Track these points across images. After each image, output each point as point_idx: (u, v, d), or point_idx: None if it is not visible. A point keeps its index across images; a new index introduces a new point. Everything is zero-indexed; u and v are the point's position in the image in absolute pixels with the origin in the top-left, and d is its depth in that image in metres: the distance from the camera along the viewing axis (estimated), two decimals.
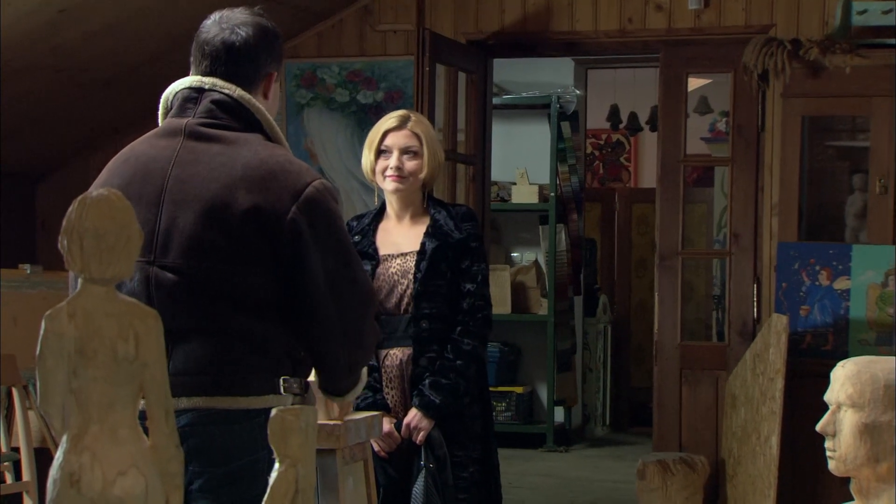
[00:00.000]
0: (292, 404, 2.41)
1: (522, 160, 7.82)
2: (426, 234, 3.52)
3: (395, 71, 5.90)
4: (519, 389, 7.75)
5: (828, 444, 2.43)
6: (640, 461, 5.04)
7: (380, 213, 3.64)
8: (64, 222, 1.59)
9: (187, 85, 2.57)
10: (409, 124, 3.55)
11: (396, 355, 3.53)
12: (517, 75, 7.75)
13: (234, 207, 2.42)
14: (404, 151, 3.53)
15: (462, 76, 5.82)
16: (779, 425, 4.70)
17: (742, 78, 5.40)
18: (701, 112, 8.45)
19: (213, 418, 2.42)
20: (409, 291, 3.50)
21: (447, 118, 5.78)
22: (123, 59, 5.37)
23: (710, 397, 5.54)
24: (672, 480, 4.96)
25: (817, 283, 5.15)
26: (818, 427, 2.44)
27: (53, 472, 1.56)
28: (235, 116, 2.53)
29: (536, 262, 7.95)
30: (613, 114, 9.59)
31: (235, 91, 2.53)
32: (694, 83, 7.48)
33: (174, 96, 2.59)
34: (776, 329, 4.85)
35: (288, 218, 2.42)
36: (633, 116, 9.64)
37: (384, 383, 3.54)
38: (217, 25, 2.60)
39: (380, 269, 3.51)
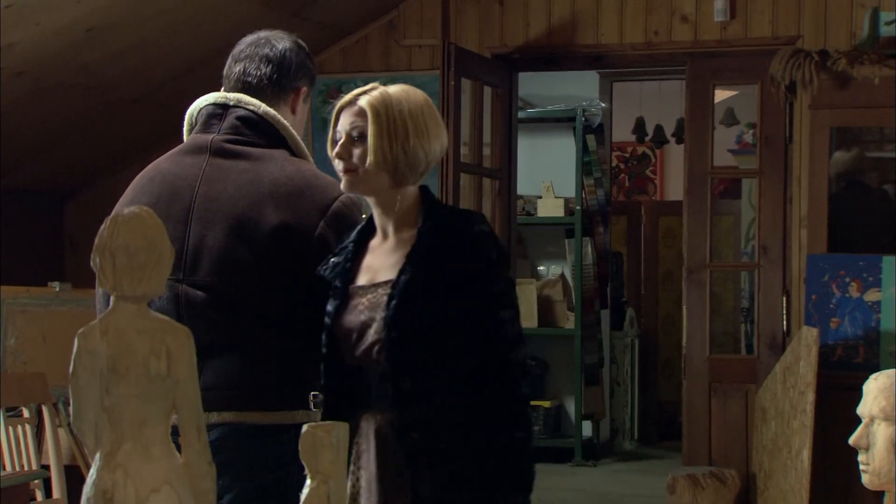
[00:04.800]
0: (322, 419, 2.41)
1: (548, 174, 7.81)
2: (409, 257, 2.43)
3: (421, 85, 5.81)
4: (546, 403, 7.73)
5: (861, 457, 2.41)
6: (670, 475, 5.01)
7: (367, 226, 2.55)
8: (96, 240, 1.60)
9: (212, 101, 2.59)
10: (364, 98, 2.45)
11: (370, 422, 2.43)
12: (542, 89, 7.74)
13: (263, 224, 2.43)
14: (350, 134, 2.43)
15: (487, 90, 5.82)
16: (810, 439, 4.66)
17: (769, 89, 5.38)
18: (727, 124, 8.42)
19: (244, 433, 2.43)
20: (380, 337, 2.41)
21: (473, 132, 5.78)
22: (150, 77, 5.40)
23: (739, 411, 5.50)
24: (702, 495, 4.93)
25: (847, 294, 5.12)
26: (851, 440, 2.42)
27: (87, 489, 1.57)
28: (261, 132, 2.55)
29: (563, 275, 7.93)
30: (639, 126, 9.57)
31: (260, 108, 2.55)
32: (720, 95, 7.45)
33: (199, 112, 2.61)
34: (806, 342, 4.81)
35: (316, 233, 2.43)
36: (658, 129, 9.61)
37: (352, 460, 2.42)
38: (254, 41, 2.64)
39: (350, 305, 2.44)
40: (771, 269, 5.51)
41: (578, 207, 7.75)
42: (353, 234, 2.51)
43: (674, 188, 10.48)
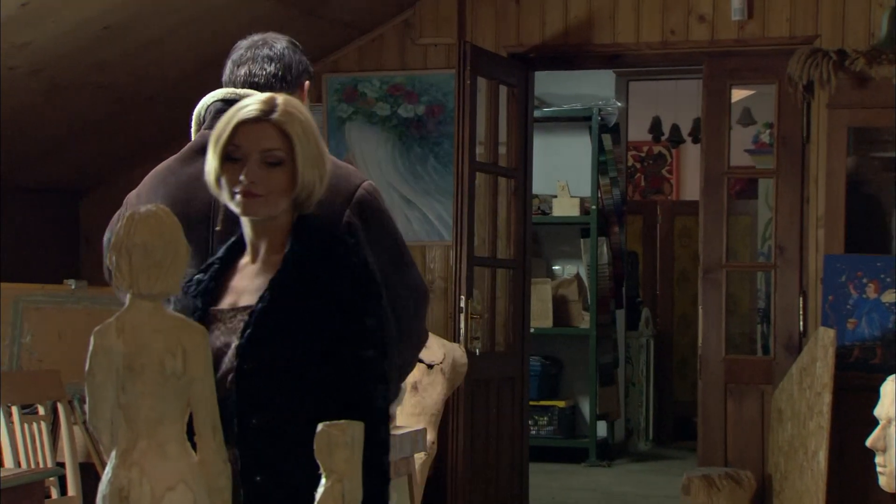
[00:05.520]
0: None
1: (563, 173, 7.80)
2: (271, 283, 2.26)
3: (436, 84, 5.90)
4: (561, 403, 7.71)
5: (878, 459, 2.40)
6: (685, 476, 5.00)
7: (237, 243, 2.36)
8: (113, 238, 1.60)
9: (220, 97, 2.59)
10: (276, 115, 2.26)
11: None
12: (558, 88, 7.73)
13: None
14: (264, 158, 2.25)
15: (503, 89, 5.80)
16: (826, 440, 4.64)
17: (787, 89, 5.35)
18: (744, 123, 8.39)
19: None
20: (232, 366, 2.22)
21: (488, 131, 5.77)
22: (165, 74, 5.40)
23: (755, 412, 5.48)
24: (718, 496, 4.91)
25: (864, 295, 5.09)
26: (868, 442, 2.41)
27: (103, 487, 1.57)
28: None
29: (578, 275, 7.91)
30: (655, 126, 9.55)
31: None
32: (736, 94, 7.42)
33: (206, 110, 2.61)
34: (823, 343, 4.79)
35: (343, 222, 2.43)
36: (674, 128, 9.59)
37: None
38: (251, 44, 2.65)
39: (208, 329, 2.16)
40: (787, 270, 5.48)
41: (594, 207, 7.74)
42: (221, 251, 2.33)
43: (690, 188, 10.45)
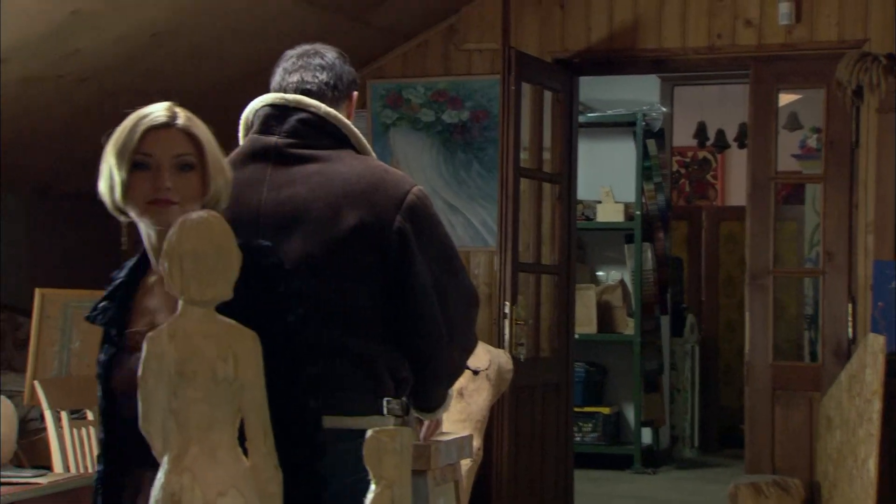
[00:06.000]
0: (393, 426, 2.41)
1: (608, 178, 7.77)
2: None
3: (481, 90, 5.90)
4: (605, 410, 7.68)
5: None
6: (733, 484, 4.96)
7: (141, 262, 2.28)
8: (164, 245, 1.61)
9: (269, 102, 2.60)
10: (180, 120, 2.22)
11: (152, 482, 1.91)
12: (602, 93, 7.70)
13: (341, 225, 2.43)
14: (177, 164, 2.18)
15: (548, 95, 5.79)
16: (877, 448, 4.59)
17: (835, 93, 5.30)
18: (790, 128, 8.32)
19: None
20: None
21: (533, 137, 5.76)
22: (212, 82, 5.43)
23: (803, 419, 5.43)
24: None
25: None
26: None
27: (155, 492, 1.57)
28: (324, 133, 2.55)
29: (622, 281, 7.88)
30: (700, 131, 9.49)
31: (321, 108, 2.56)
32: (783, 99, 7.37)
33: (255, 114, 2.62)
34: (873, 349, 4.74)
35: (394, 228, 2.44)
36: (720, 133, 9.53)
37: None
38: (303, 52, 2.66)
39: (126, 353, 2.14)
40: (836, 276, 5.43)
41: (638, 212, 7.70)
42: (124, 274, 2.24)
43: (735, 193, 10.39)
